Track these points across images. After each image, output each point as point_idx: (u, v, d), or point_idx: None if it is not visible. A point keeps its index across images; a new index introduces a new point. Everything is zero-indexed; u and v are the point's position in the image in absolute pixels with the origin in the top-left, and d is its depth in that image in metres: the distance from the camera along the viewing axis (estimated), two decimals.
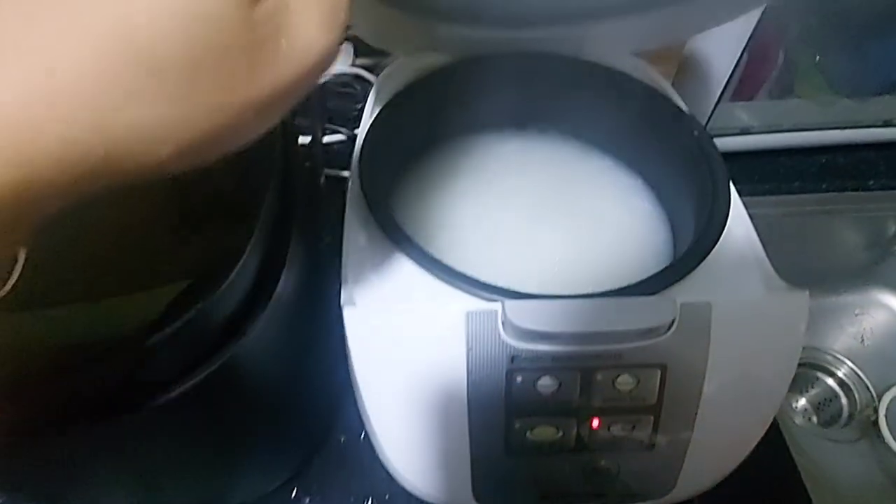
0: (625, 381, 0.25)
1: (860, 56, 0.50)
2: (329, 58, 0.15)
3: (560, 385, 0.24)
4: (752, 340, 0.26)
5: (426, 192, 0.38)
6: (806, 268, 0.59)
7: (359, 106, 0.50)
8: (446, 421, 0.25)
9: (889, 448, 0.52)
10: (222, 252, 0.21)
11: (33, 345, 0.18)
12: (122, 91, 0.11)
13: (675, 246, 0.36)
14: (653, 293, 0.26)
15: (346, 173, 0.46)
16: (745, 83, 0.48)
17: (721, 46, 0.44)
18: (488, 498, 0.27)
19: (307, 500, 0.34)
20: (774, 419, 0.29)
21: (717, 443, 0.27)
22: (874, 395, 0.56)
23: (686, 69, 0.47)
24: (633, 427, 0.26)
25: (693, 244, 0.28)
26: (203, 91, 0.12)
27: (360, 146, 0.32)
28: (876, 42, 0.49)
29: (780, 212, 0.53)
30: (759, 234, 0.31)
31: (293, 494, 0.34)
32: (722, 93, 0.46)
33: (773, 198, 0.52)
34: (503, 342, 0.24)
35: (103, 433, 0.20)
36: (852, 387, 0.57)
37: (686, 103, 0.38)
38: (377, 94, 0.37)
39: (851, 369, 0.58)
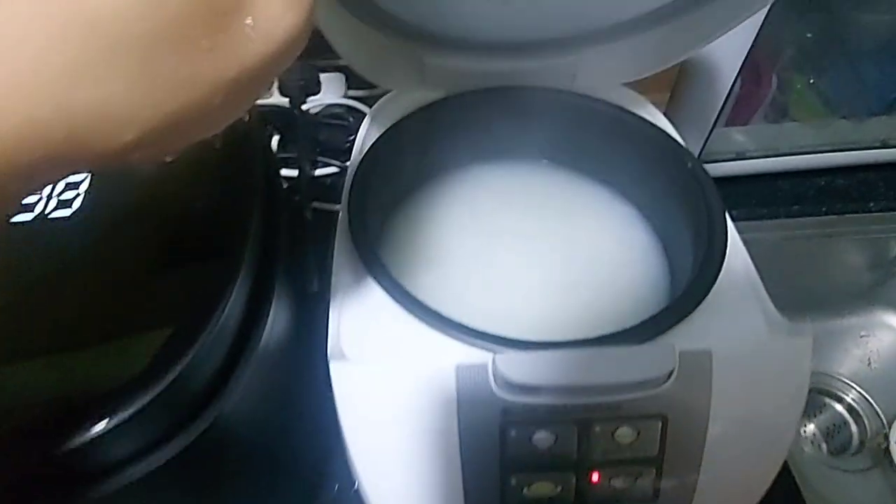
0: (624, 434, 0.23)
1: (855, 77, 0.49)
2: (297, 39, 0.14)
3: (557, 438, 0.23)
4: (755, 386, 0.25)
5: (417, 228, 0.37)
6: (808, 291, 0.59)
7: (351, 137, 0.50)
8: (440, 478, 0.24)
9: None
10: (197, 307, 0.20)
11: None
12: (81, 69, 0.11)
13: (672, 277, 0.35)
14: (650, 338, 0.25)
15: (337, 207, 0.45)
16: (739, 108, 0.47)
17: (715, 71, 0.44)
18: None
19: None
20: None
21: (725, 491, 0.26)
22: (884, 421, 0.55)
23: (680, 96, 0.46)
24: (636, 479, 0.24)
25: (690, 284, 0.27)
26: (164, 69, 0.12)
27: (348, 186, 0.32)
28: (871, 62, 0.49)
29: (780, 236, 0.52)
30: (759, 260, 0.30)
31: None
32: (717, 118, 0.45)
33: (773, 222, 0.51)
34: (495, 396, 0.23)
35: None
36: (861, 413, 0.56)
37: (681, 129, 0.37)
38: (367, 130, 0.37)
39: (860, 395, 0.56)
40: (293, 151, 0.48)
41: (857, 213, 0.52)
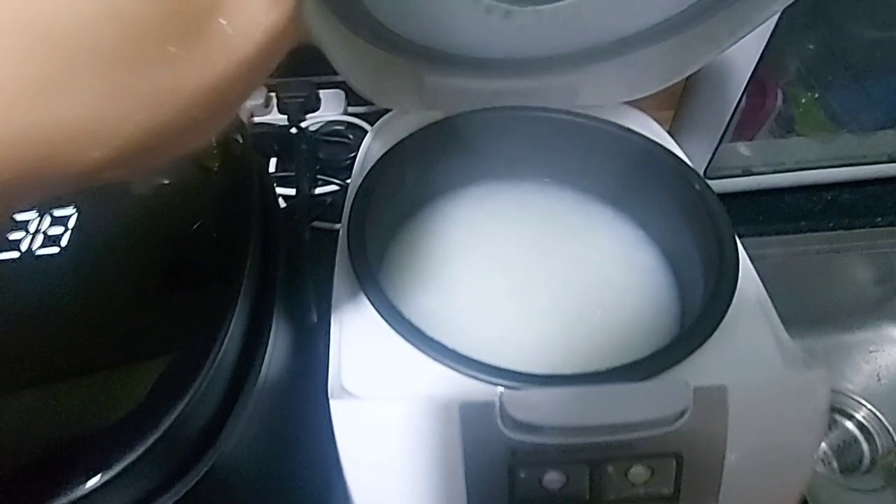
0: (638, 473, 0.23)
1: (861, 91, 0.49)
2: (281, 39, 0.13)
3: (568, 479, 0.22)
4: (772, 421, 0.24)
5: (419, 250, 0.36)
6: (816, 307, 0.58)
7: (351, 155, 0.49)
8: None
9: None
10: (192, 345, 0.19)
11: None
12: (44, 84, 0.10)
13: (681, 300, 0.34)
14: (662, 370, 0.24)
15: (337, 226, 0.44)
16: (745, 123, 0.47)
17: (722, 87, 0.43)
18: None
19: None
20: None
21: None
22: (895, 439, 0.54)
23: (686, 112, 0.46)
24: None
25: (701, 313, 0.26)
26: (133, 81, 0.11)
27: (347, 211, 0.31)
28: (876, 76, 0.48)
29: (787, 252, 0.51)
30: (766, 276, 0.29)
31: None
32: (723, 134, 0.45)
33: (780, 238, 0.50)
34: (503, 435, 0.22)
35: None
36: (872, 430, 0.55)
37: (687, 145, 0.36)
38: (367, 150, 0.36)
39: (871, 412, 0.55)
40: (292, 170, 0.47)
41: (864, 227, 0.51)
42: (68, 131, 0.11)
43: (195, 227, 0.23)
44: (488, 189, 0.39)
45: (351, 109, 0.54)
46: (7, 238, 0.21)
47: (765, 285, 0.29)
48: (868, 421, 0.56)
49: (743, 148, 0.48)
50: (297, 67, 0.54)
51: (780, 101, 0.48)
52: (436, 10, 0.30)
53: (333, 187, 0.48)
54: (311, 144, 0.49)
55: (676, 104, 0.46)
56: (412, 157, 0.35)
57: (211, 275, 0.22)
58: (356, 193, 0.32)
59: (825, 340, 0.58)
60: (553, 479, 0.22)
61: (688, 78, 0.46)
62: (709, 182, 0.33)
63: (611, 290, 0.35)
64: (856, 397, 0.57)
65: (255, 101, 0.51)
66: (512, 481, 0.22)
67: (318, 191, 0.48)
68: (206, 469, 0.19)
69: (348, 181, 0.49)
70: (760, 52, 0.39)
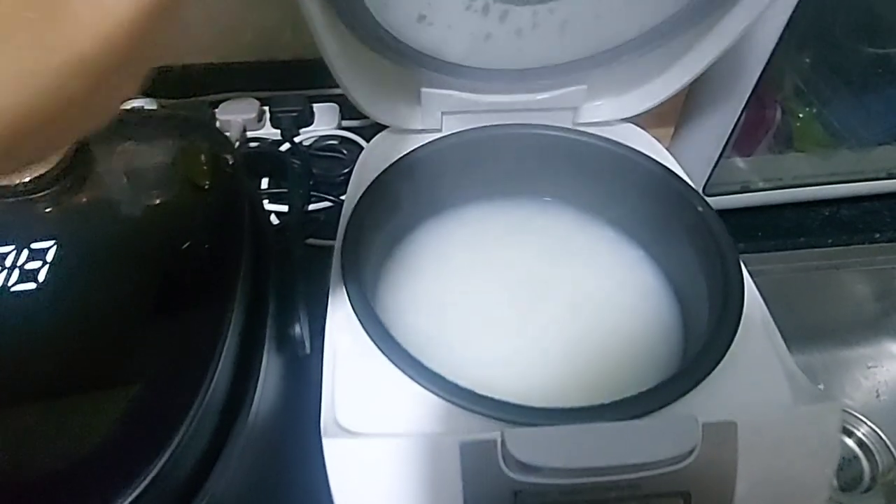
0: None
1: (860, 107, 0.49)
2: (148, 12, 0.12)
3: None
4: (782, 456, 0.23)
5: (416, 272, 0.35)
6: (815, 322, 0.57)
7: (346, 171, 0.48)
8: None
9: None
10: (180, 384, 0.18)
11: None
12: None
13: (684, 323, 0.33)
14: (668, 403, 0.23)
15: (331, 242, 0.43)
16: (743, 139, 0.46)
17: (722, 103, 0.43)
18: None
19: None
20: None
21: None
22: None
23: (685, 129, 0.45)
24: None
25: (707, 342, 0.26)
26: None
27: (341, 235, 0.30)
28: (875, 92, 0.48)
29: (786, 267, 0.51)
30: (765, 292, 0.29)
31: None
32: (722, 151, 0.44)
33: (778, 254, 0.50)
34: (505, 476, 0.21)
35: None
36: (872, 447, 0.54)
37: (686, 162, 0.36)
38: (361, 170, 0.35)
39: (871, 429, 0.55)
40: (286, 186, 0.46)
41: (863, 243, 0.51)
42: None
43: (181, 255, 0.22)
44: (487, 208, 0.38)
45: (345, 123, 0.53)
46: None
47: (764, 301, 0.28)
48: (868, 438, 0.55)
49: (741, 164, 0.48)
50: (290, 81, 0.53)
51: (778, 117, 0.47)
52: (433, 13, 0.29)
53: (327, 203, 0.47)
54: (304, 160, 0.48)
55: (676, 121, 0.46)
56: (408, 176, 0.34)
57: (198, 307, 0.21)
58: (350, 217, 0.31)
59: (824, 356, 0.58)
60: None
61: (688, 94, 0.46)
62: (707, 198, 0.32)
63: (612, 312, 0.34)
64: (855, 414, 0.56)
65: (248, 115, 0.50)
66: None
67: (311, 207, 0.47)
68: None
69: (342, 197, 0.48)
70: (762, 68, 0.39)
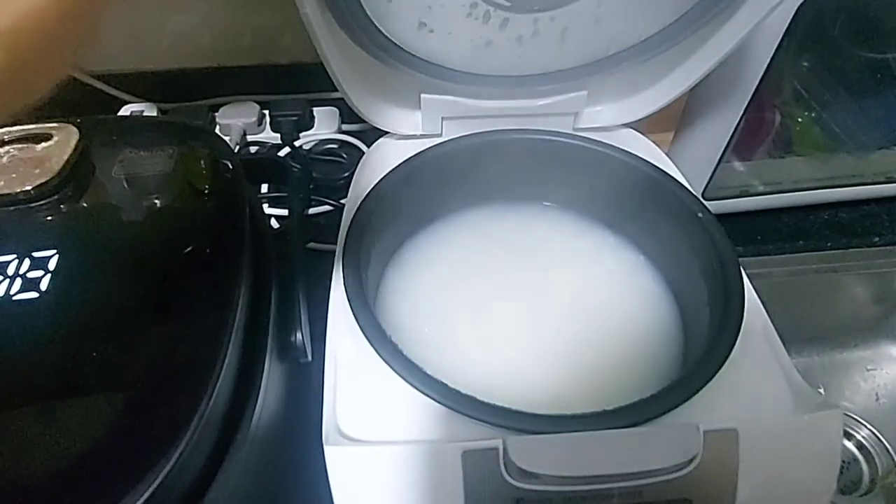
0: None
1: (859, 111, 0.49)
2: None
3: None
4: (784, 463, 0.23)
5: (417, 278, 0.35)
6: (814, 325, 0.57)
7: (346, 175, 0.48)
8: None
9: None
10: (180, 395, 0.18)
11: None
12: None
13: (684, 327, 0.33)
14: (670, 409, 0.23)
15: (331, 247, 0.43)
16: (743, 143, 0.46)
17: (722, 108, 0.43)
18: None
19: None
20: None
21: None
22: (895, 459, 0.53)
23: (685, 133, 0.45)
24: None
25: (708, 349, 0.26)
26: None
27: (342, 243, 0.30)
28: (874, 96, 0.48)
29: (786, 271, 0.51)
30: (764, 295, 0.29)
31: None
32: (722, 155, 0.44)
33: (777, 258, 0.50)
34: (507, 484, 0.21)
35: None
36: (871, 450, 0.55)
37: (685, 167, 0.36)
38: (361, 176, 0.35)
39: (870, 431, 0.55)
40: (286, 190, 0.46)
41: (861, 247, 0.51)
42: None
43: (182, 262, 0.22)
44: (487, 213, 0.38)
45: (345, 127, 0.53)
46: None
47: (763, 304, 0.28)
48: (867, 441, 0.55)
49: (741, 168, 0.48)
50: (290, 84, 0.53)
51: (777, 121, 0.47)
52: (434, 20, 0.29)
53: (327, 207, 0.47)
54: (304, 164, 0.48)
55: (676, 125, 0.46)
56: (409, 182, 0.34)
57: (200, 314, 0.21)
58: (351, 223, 0.31)
59: (823, 359, 0.58)
60: None
61: (688, 99, 0.46)
62: (707, 203, 0.33)
63: (612, 316, 0.34)
64: (855, 416, 0.56)
65: (248, 119, 0.50)
66: None
67: (311, 211, 0.47)
68: None
69: (342, 201, 0.48)
70: (762, 73, 0.39)
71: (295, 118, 0.50)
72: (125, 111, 0.50)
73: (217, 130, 0.50)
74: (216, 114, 0.50)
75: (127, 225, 0.24)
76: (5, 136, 0.25)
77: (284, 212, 0.45)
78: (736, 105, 0.41)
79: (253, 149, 0.50)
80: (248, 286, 0.23)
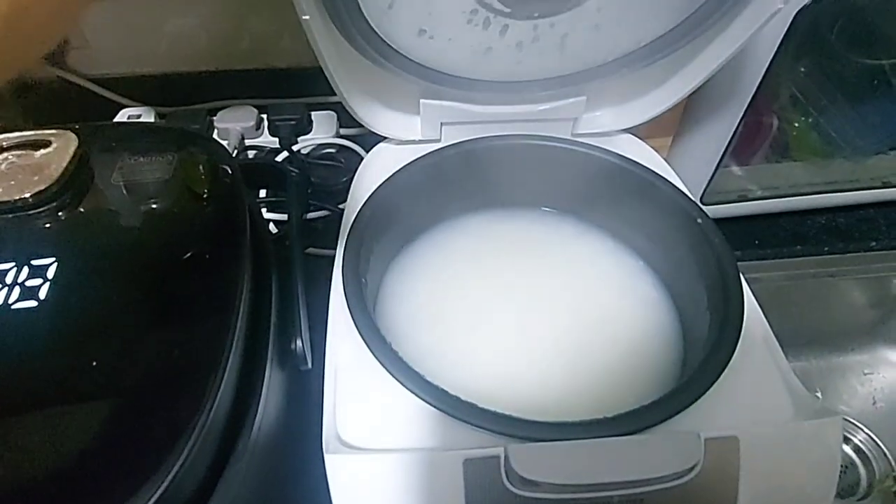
0: None
1: (856, 116, 0.49)
2: None
3: None
4: (784, 470, 0.23)
5: (416, 283, 0.35)
6: (811, 329, 0.57)
7: (344, 179, 0.48)
8: None
9: None
10: (180, 404, 0.18)
11: None
12: None
13: (683, 332, 0.33)
14: (670, 416, 0.23)
15: (330, 252, 0.43)
16: (740, 148, 0.46)
17: (720, 113, 0.43)
18: None
19: None
20: None
21: None
22: (893, 463, 0.53)
23: (683, 139, 0.45)
24: None
25: (708, 355, 0.26)
26: None
27: (341, 251, 0.30)
28: (871, 101, 0.48)
29: (783, 275, 0.51)
30: (762, 300, 0.29)
31: None
32: (720, 161, 0.44)
33: (776, 262, 0.50)
34: (509, 492, 0.21)
35: None
36: (869, 454, 0.55)
37: (683, 172, 0.36)
38: (360, 181, 0.35)
39: (868, 435, 0.55)
40: (284, 195, 0.46)
41: (858, 251, 0.51)
42: None
43: (182, 268, 0.22)
44: (486, 219, 0.38)
45: (343, 132, 0.53)
46: None
47: (761, 308, 0.28)
48: (865, 445, 0.55)
49: (739, 173, 0.48)
50: (288, 88, 0.53)
51: (775, 127, 0.48)
52: (434, 27, 0.29)
53: (325, 212, 0.47)
54: (302, 168, 0.48)
55: (674, 130, 0.46)
56: (408, 187, 0.34)
57: (201, 321, 0.21)
58: (350, 229, 0.31)
59: (820, 363, 0.58)
60: None
61: (686, 105, 0.46)
62: (705, 207, 0.33)
63: (612, 322, 0.34)
64: (852, 420, 0.56)
65: (246, 123, 0.50)
66: None
67: (310, 215, 0.47)
68: None
69: (340, 206, 0.48)
70: (760, 79, 0.39)
71: (293, 122, 0.50)
72: (122, 115, 0.50)
73: (215, 134, 0.50)
74: (214, 118, 0.50)
75: (126, 231, 0.24)
76: (4, 143, 0.25)
77: (282, 216, 0.45)
78: (734, 110, 0.41)
79: (251, 153, 0.50)
80: (249, 292, 0.23)
